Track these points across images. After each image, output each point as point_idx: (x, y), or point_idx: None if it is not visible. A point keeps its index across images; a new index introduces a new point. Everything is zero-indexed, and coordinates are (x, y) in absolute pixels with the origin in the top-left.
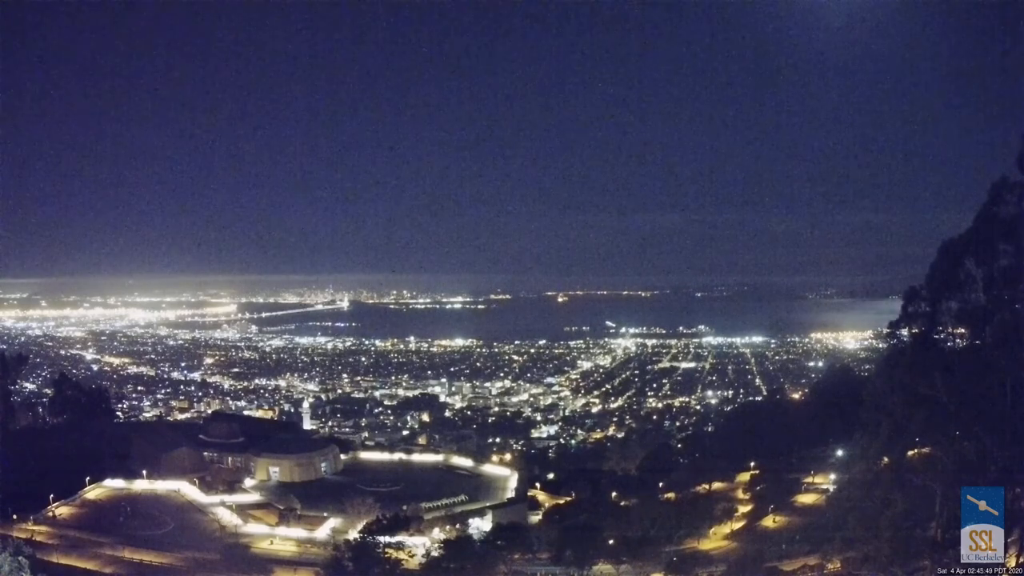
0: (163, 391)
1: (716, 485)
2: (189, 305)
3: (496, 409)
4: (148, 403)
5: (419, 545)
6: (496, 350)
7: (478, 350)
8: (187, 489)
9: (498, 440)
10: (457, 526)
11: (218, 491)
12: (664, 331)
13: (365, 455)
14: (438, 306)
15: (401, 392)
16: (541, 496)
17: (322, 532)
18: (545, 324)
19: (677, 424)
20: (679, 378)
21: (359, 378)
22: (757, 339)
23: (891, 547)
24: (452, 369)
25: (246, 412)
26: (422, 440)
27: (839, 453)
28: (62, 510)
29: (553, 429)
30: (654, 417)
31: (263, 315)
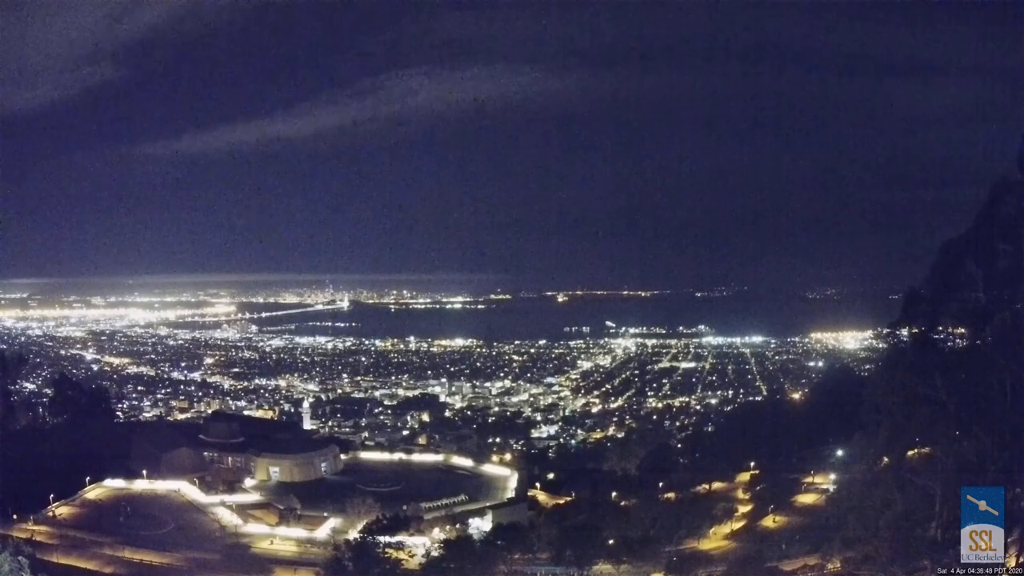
0: (163, 391)
1: (716, 485)
2: (189, 305)
3: (496, 409)
4: (148, 403)
5: (419, 545)
6: (496, 350)
7: (478, 350)
8: (187, 489)
9: (498, 440)
10: (457, 526)
11: (218, 491)
12: (664, 331)
13: (365, 455)
14: (438, 306)
15: (401, 392)
16: (541, 496)
17: (322, 532)
18: (545, 324)
19: (677, 424)
20: (679, 378)
21: (359, 378)
22: (757, 339)
23: (891, 547)
24: (452, 369)
25: (246, 412)
26: (422, 440)
27: (839, 453)
28: (62, 510)
29: (553, 429)
30: (654, 417)
31: (263, 315)
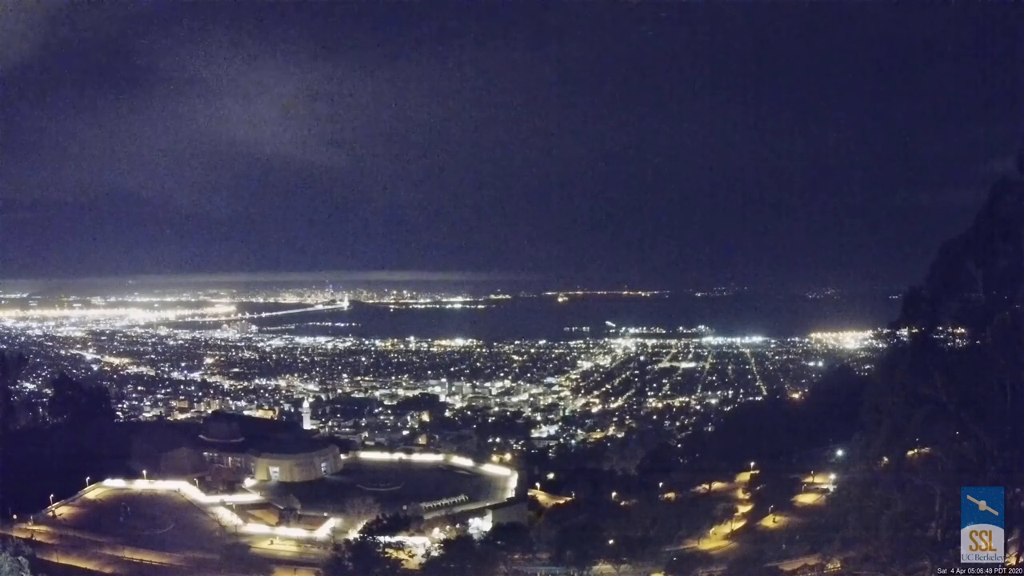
0: (163, 391)
1: (716, 485)
2: (189, 305)
3: (496, 409)
4: (148, 403)
5: (419, 545)
6: (496, 350)
7: (478, 350)
8: (187, 489)
9: (498, 440)
10: (457, 526)
11: (218, 491)
12: (664, 331)
13: (365, 455)
14: (438, 306)
15: (401, 392)
16: (541, 496)
17: (322, 532)
18: (545, 324)
19: (677, 424)
20: (679, 378)
21: (359, 378)
22: (757, 339)
23: (891, 547)
24: (452, 369)
25: (246, 412)
26: (422, 440)
27: (839, 453)
28: (62, 510)
29: (553, 429)
30: (654, 417)
31: (263, 315)
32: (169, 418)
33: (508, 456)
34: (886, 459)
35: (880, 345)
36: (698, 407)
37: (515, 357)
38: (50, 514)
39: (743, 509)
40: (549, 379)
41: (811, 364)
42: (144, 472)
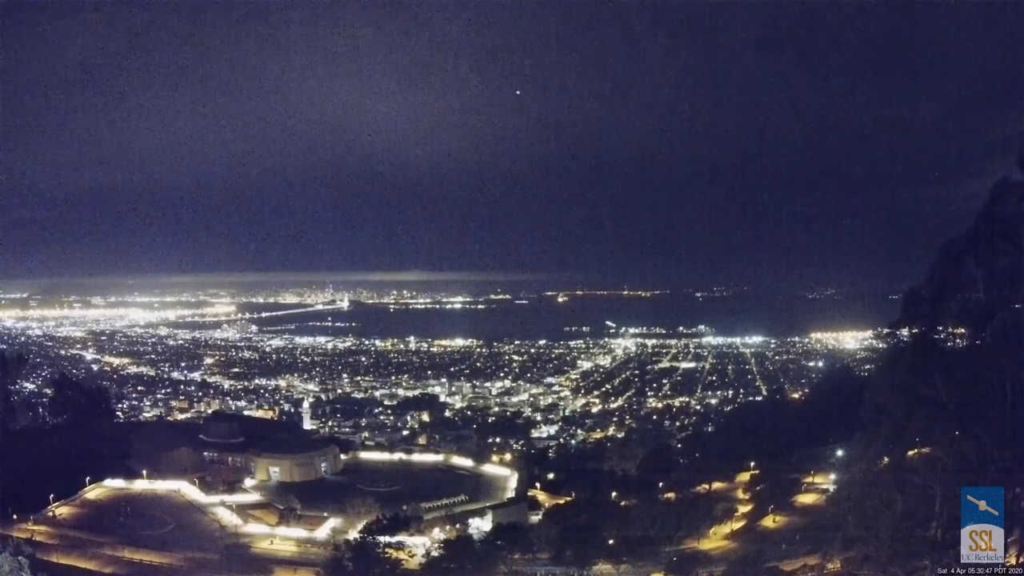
0: (163, 391)
1: (716, 485)
2: (189, 305)
3: (496, 409)
4: (148, 403)
5: (419, 545)
6: (496, 350)
7: (478, 350)
8: (187, 489)
9: (498, 440)
10: (457, 526)
11: (218, 491)
12: (664, 331)
13: (365, 455)
14: (438, 306)
15: (401, 392)
16: (541, 496)
17: (322, 532)
18: (545, 324)
19: (677, 424)
20: (679, 378)
21: (359, 378)
22: (757, 339)
23: (891, 547)
24: (452, 369)
25: (246, 412)
26: (422, 440)
27: (839, 453)
28: (62, 510)
29: (553, 429)
30: (654, 417)
31: (263, 315)
32: (169, 418)
33: (508, 456)
34: (886, 459)
35: (880, 345)
36: (698, 407)
37: (515, 357)
38: (50, 514)
39: (743, 509)
40: (549, 379)
41: (811, 364)
42: (144, 472)
